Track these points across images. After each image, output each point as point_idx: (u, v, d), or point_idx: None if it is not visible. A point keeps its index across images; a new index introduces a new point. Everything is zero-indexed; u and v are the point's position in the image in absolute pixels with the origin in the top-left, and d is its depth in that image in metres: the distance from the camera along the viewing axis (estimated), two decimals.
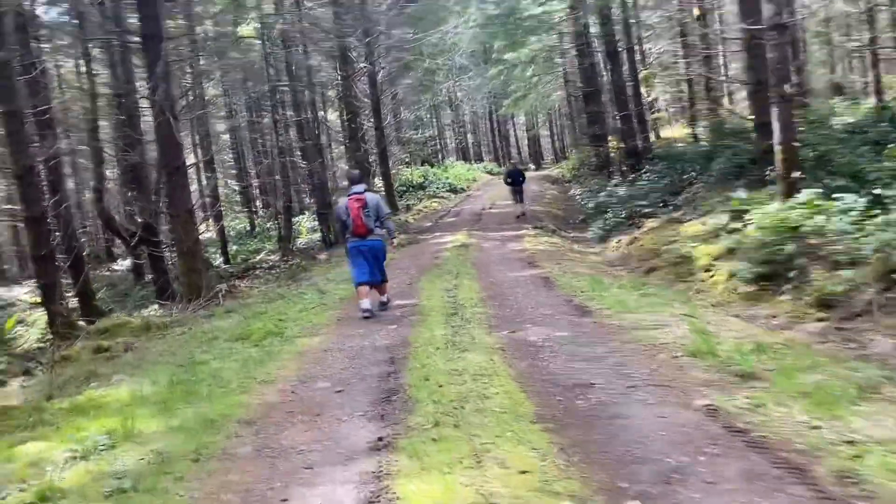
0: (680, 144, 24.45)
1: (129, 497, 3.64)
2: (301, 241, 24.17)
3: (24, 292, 27.07)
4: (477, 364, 5.55)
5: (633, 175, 21.00)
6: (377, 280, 8.59)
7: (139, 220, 17.31)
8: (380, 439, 4.12)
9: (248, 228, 33.08)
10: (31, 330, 17.62)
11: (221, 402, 5.25)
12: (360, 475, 3.62)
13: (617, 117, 23.31)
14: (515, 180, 20.34)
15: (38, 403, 5.86)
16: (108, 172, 26.11)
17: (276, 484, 3.65)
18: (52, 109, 16.26)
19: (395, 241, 9.25)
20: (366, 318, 8.21)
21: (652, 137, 27.45)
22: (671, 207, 15.38)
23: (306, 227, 26.96)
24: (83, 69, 22.70)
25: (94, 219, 28.27)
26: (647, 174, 19.60)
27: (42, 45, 18.68)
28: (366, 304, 8.34)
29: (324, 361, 6.35)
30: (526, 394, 4.76)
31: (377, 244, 8.44)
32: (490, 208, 24.15)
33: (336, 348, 6.84)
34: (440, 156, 46.13)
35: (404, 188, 31.85)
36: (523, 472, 3.45)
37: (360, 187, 8.46)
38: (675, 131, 31.70)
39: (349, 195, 8.41)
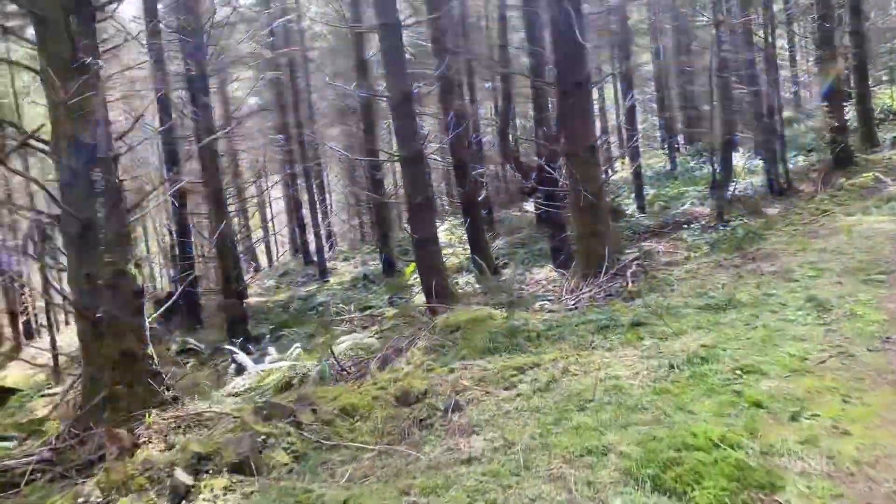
0: None
1: None
2: (737, 187, 17.96)
3: (443, 229, 26.18)
4: None
5: None
6: None
7: (535, 157, 13.42)
8: None
9: (668, 167, 27.56)
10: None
11: None
12: None
13: None
14: None
15: None
16: (532, 109, 23.25)
17: None
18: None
19: None
20: None
21: None
22: None
23: (744, 167, 20.45)
24: None
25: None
26: None
27: None
28: None
29: None
30: None
31: None
32: None
33: None
34: None
35: (882, 115, 22.76)
36: None
37: None
38: None
39: None
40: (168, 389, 4.68)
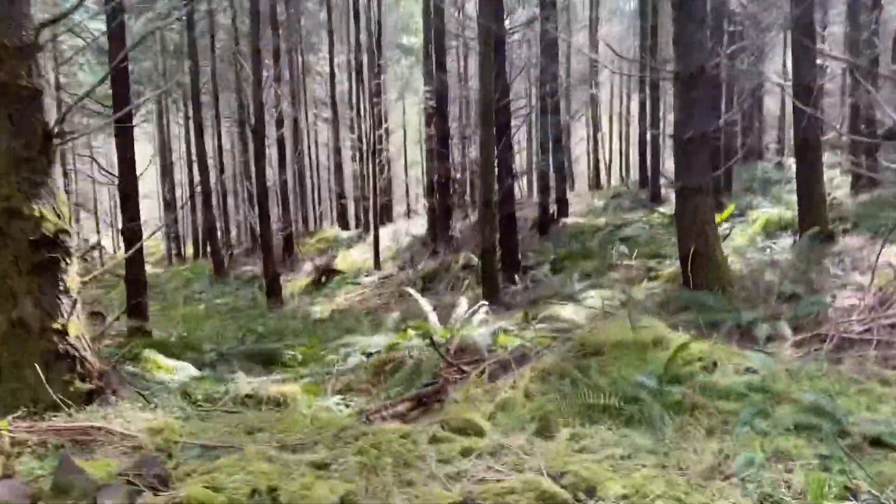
0: None
1: None
2: None
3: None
4: None
5: None
6: None
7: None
8: None
9: None
10: None
11: None
12: None
13: None
14: None
15: None
16: None
17: None
18: None
19: None
20: None
21: None
22: None
23: None
24: None
25: None
26: None
27: None
28: None
29: None
30: None
31: None
32: None
33: None
34: None
35: None
36: None
37: None
38: None
39: None
40: (84, 380, 3.48)
